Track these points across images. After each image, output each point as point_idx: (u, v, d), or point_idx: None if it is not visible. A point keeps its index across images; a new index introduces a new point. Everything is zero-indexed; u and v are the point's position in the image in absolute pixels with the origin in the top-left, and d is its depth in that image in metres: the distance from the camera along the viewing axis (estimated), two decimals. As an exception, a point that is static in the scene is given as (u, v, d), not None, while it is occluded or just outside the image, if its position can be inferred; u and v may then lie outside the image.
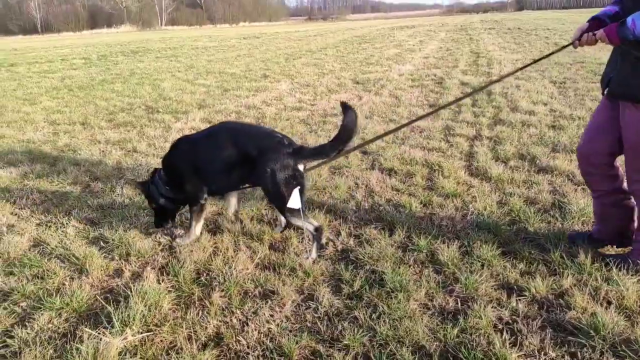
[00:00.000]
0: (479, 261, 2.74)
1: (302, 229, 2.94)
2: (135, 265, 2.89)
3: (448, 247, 2.88)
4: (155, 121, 6.83)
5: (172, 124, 6.58)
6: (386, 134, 3.91)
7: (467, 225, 3.21)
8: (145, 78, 11.64)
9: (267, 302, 2.46)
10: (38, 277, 2.78)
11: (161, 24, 78.85)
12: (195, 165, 2.98)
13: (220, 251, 2.98)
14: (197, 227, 3.15)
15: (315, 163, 3.15)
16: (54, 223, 3.51)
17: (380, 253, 2.87)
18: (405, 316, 2.28)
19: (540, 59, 3.21)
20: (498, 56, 12.84)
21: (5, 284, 2.72)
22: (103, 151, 5.40)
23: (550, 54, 3.05)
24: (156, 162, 4.86)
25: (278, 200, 2.78)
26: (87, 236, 3.32)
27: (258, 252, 2.96)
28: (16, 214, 3.75)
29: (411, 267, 2.75)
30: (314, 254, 2.85)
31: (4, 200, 4.00)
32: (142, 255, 2.98)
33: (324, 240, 3.00)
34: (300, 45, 22.10)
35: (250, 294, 2.55)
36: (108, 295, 2.60)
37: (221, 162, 2.88)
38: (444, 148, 4.96)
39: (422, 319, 2.27)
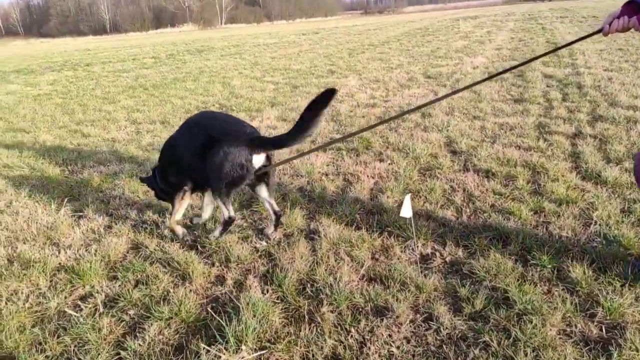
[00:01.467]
0: (618, 280, 2.42)
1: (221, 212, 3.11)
2: (236, 272, 2.80)
3: (577, 263, 2.57)
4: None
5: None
6: (370, 127, 3.48)
7: (592, 237, 2.87)
8: (214, 76, 11.82)
9: (382, 320, 2.27)
10: (142, 283, 2.74)
11: (221, 23, 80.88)
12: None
13: (322, 260, 2.83)
14: (178, 214, 3.34)
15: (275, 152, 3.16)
16: (149, 225, 3.51)
17: (498, 267, 2.60)
18: (545, 345, 2.01)
19: (559, 48, 2.82)
20: (579, 46, 11.95)
21: (111, 289, 2.71)
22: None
23: (573, 42, 2.66)
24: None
25: (214, 179, 2.89)
26: (184, 239, 3.29)
27: (361, 261, 2.79)
28: (111, 214, 3.79)
29: (537, 285, 2.46)
30: (217, 233, 3.16)
31: (99, 201, 4.08)
32: (242, 262, 2.89)
33: (226, 231, 3.17)
34: (361, 39, 21.79)
35: (361, 310, 2.38)
36: (214, 304, 2.51)
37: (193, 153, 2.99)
38: (543, 147, 4.56)
39: (565, 348, 2.00)
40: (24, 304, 2.62)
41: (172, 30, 68.43)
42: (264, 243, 3.12)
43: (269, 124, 6.43)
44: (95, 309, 2.55)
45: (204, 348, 2.10)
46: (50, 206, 3.97)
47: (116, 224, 3.60)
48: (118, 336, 2.31)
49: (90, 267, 2.90)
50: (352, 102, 7.50)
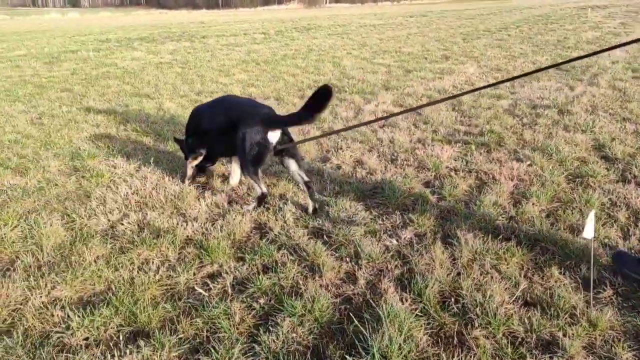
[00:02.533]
0: None
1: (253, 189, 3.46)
2: (367, 271, 2.57)
3: None
4: (345, 101, 6.61)
5: (362, 105, 6.29)
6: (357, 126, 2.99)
7: None
8: (323, 55, 11.67)
9: (551, 358, 1.92)
10: (270, 270, 2.62)
11: (326, 2, 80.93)
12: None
13: (465, 272, 2.50)
14: (189, 168, 3.80)
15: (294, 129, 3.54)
16: (272, 206, 3.40)
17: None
18: None
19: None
20: None
21: (239, 272, 2.61)
22: (301, 129, 5.30)
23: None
24: (348, 145, 4.58)
25: (241, 159, 3.24)
26: (307, 225, 3.13)
27: (513, 279, 2.42)
28: (235, 192, 3.75)
29: None
30: (250, 208, 3.33)
31: (220, 176, 4.06)
32: (373, 260, 2.66)
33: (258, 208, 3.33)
34: (474, 24, 20.49)
35: (522, 340, 2.03)
36: (347, 306, 2.31)
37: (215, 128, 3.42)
38: None
39: None
40: (154, 275, 2.60)
41: (279, 7, 69.77)
42: (394, 242, 2.86)
43: (385, 108, 6.11)
44: (224, 291, 2.46)
45: (345, 360, 1.89)
46: (176, 175, 4.02)
47: (237, 202, 3.54)
48: (250, 326, 2.19)
49: (218, 244, 2.84)
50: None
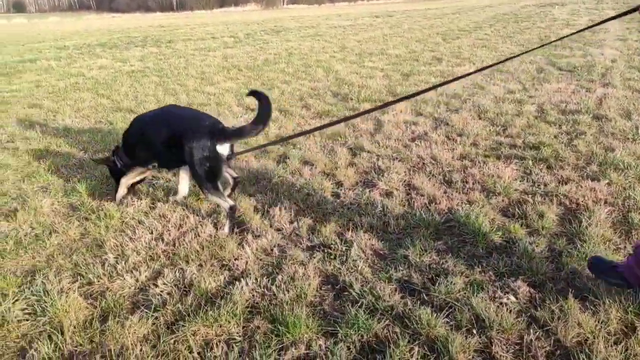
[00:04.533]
0: None
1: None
2: (505, 348, 2.03)
3: None
4: (356, 111, 6.06)
5: (380, 117, 5.74)
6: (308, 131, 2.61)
7: None
8: (306, 59, 11.08)
9: None
10: (377, 351, 2.03)
11: (283, 3, 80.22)
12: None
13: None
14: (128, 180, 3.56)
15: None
16: (334, 251, 2.81)
17: None
18: None
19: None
20: None
21: (337, 356, 2.01)
22: (324, 146, 4.72)
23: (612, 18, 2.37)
24: (387, 165, 4.04)
25: (195, 177, 3.08)
26: (390, 277, 2.56)
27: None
28: (279, 229, 3.13)
29: None
30: (226, 229, 3.11)
31: (256, 209, 3.43)
32: (506, 331, 2.11)
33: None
34: (445, 23, 20.43)
35: None
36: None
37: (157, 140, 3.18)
38: None
39: None
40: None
41: (235, 9, 68.44)
42: (512, 298, 2.33)
43: (406, 119, 5.59)
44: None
45: None
46: (205, 215, 3.35)
47: (288, 243, 2.93)
48: None
49: (294, 313, 2.23)
50: (488, 95, 6.54)
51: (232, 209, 3.09)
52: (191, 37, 18.53)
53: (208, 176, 2.98)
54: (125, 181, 3.54)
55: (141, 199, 3.61)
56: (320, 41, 15.43)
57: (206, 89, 8.05)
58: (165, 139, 3.09)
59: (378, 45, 13.35)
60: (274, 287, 2.49)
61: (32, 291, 2.50)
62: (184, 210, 3.43)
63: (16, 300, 2.44)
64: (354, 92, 7.18)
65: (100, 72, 10.32)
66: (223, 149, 3.02)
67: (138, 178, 3.60)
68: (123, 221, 3.33)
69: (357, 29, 19.76)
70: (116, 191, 3.58)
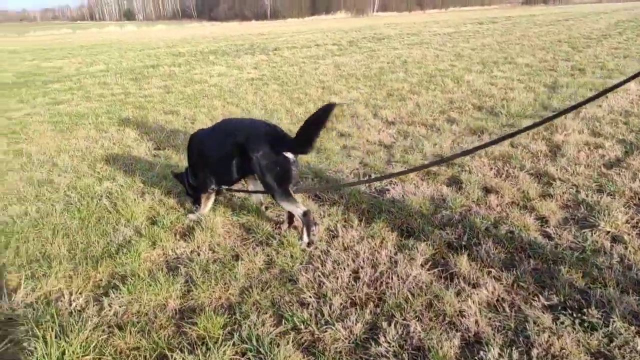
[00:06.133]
0: None
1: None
2: None
3: None
4: (512, 127, 5.39)
5: (550, 137, 4.95)
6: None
7: None
8: (425, 68, 10.48)
9: None
10: None
11: (373, 10, 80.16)
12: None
13: None
14: (205, 209, 3.44)
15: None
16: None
17: None
18: None
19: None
20: None
21: None
22: (497, 171, 4.12)
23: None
24: (595, 198, 3.35)
25: (265, 185, 2.96)
26: None
27: None
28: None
29: None
30: (305, 238, 2.96)
31: (432, 225, 2.93)
32: None
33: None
34: (561, 30, 18.87)
35: None
36: None
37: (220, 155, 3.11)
38: None
39: None
40: None
41: (326, 17, 69.42)
42: None
43: (584, 139, 4.80)
44: None
45: None
46: (384, 240, 2.91)
47: (515, 297, 2.39)
48: None
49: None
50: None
51: (306, 213, 2.94)
52: (295, 45, 18.64)
53: (277, 180, 2.89)
54: (206, 199, 3.47)
55: (317, 224, 3.25)
56: (429, 49, 14.75)
57: (332, 98, 7.75)
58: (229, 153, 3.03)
59: (497, 54, 12.43)
60: (530, 363, 1.96)
61: (240, 337, 2.18)
62: (368, 242, 3.02)
63: (226, 347, 2.13)
64: (499, 104, 6.50)
65: (221, 79, 10.46)
66: (289, 154, 2.90)
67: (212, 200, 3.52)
68: (304, 250, 2.98)
69: (464, 36, 18.80)
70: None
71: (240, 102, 7.72)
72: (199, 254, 2.98)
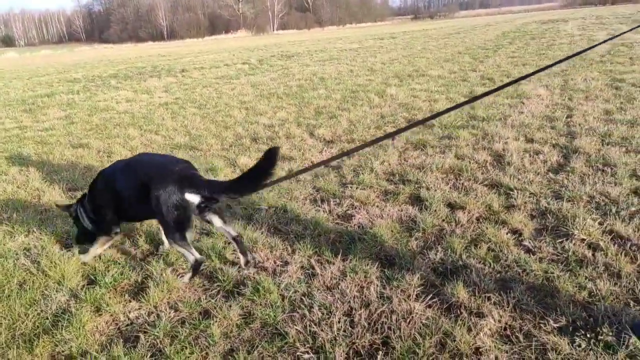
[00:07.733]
0: None
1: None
2: None
3: None
4: (450, 139, 5.44)
5: (492, 147, 5.07)
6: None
7: None
8: (344, 83, 10.52)
9: None
10: None
11: (273, 29, 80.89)
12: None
13: None
14: (102, 248, 3.12)
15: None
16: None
17: None
18: None
19: None
20: None
21: None
22: (454, 185, 4.07)
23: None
24: (557, 206, 3.40)
25: (162, 225, 2.79)
26: None
27: None
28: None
29: None
30: (186, 279, 2.84)
31: (415, 252, 2.74)
32: None
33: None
34: (456, 43, 20.19)
35: None
36: None
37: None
38: None
39: None
40: None
41: (226, 36, 68.71)
42: None
43: (522, 146, 4.95)
44: None
45: None
46: (366, 280, 2.65)
47: (522, 324, 2.24)
48: None
49: None
50: (580, 118, 5.95)
51: (197, 262, 2.82)
52: (203, 66, 17.99)
53: (174, 223, 2.69)
54: (103, 242, 3.14)
55: (290, 264, 2.90)
56: (341, 64, 14.97)
57: (260, 119, 7.41)
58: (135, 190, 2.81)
59: (408, 67, 12.89)
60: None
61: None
62: (351, 277, 2.73)
63: None
64: (440, 120, 6.59)
65: (131, 105, 9.64)
66: (193, 197, 2.68)
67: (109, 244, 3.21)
68: (283, 295, 2.62)
69: (370, 51, 19.39)
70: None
71: (160, 129, 7.09)
72: (158, 316, 2.49)
